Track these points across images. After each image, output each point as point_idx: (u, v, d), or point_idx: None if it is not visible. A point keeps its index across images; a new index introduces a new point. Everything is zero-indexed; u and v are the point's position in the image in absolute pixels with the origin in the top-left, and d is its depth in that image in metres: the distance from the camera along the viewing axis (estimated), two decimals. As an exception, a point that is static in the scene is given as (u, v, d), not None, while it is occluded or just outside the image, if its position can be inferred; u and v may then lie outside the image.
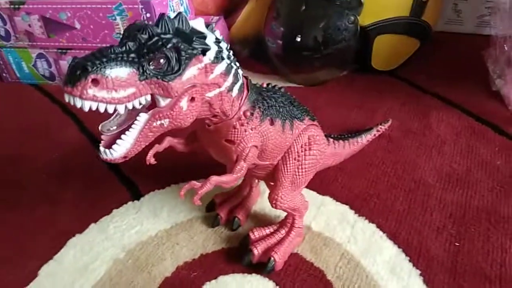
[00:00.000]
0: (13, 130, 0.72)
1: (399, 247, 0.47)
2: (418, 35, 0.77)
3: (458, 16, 0.91)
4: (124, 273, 0.46)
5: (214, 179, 0.38)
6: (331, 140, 0.52)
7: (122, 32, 0.72)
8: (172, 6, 0.75)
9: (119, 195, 0.56)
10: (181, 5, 0.78)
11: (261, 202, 0.54)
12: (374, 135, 0.60)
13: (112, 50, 0.30)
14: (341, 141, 0.53)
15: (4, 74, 0.86)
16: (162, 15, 0.32)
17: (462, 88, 0.73)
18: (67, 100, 0.29)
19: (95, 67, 0.28)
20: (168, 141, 0.43)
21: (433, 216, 0.50)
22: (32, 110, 0.78)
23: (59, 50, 0.79)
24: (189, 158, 0.62)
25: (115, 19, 0.72)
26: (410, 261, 0.46)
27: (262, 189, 0.55)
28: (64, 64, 0.81)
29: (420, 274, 0.44)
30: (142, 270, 0.46)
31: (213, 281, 0.45)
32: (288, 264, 0.46)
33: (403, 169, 0.57)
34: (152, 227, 0.51)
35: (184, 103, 0.33)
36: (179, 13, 0.33)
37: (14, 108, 0.79)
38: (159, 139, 0.40)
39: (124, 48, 0.30)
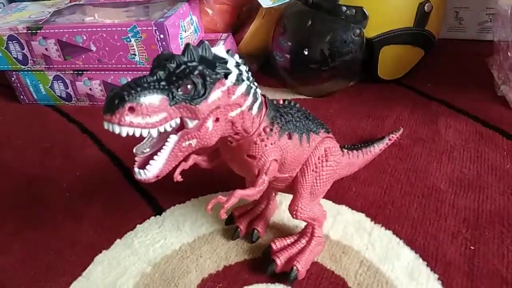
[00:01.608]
0: (33, 150, 0.75)
1: (416, 252, 0.49)
2: (422, 44, 0.79)
3: (460, 24, 0.93)
4: (152, 286, 0.48)
5: (239, 192, 0.40)
6: (345, 151, 0.54)
7: (136, 53, 0.75)
8: (184, 26, 0.78)
9: (141, 210, 0.58)
10: (192, 24, 0.81)
11: (279, 213, 0.56)
12: (387, 144, 0.62)
13: (145, 79, 0.32)
14: (355, 151, 0.55)
15: (21, 96, 0.89)
16: (187, 45, 0.35)
17: (467, 94, 0.75)
18: (106, 127, 0.32)
19: (131, 96, 0.31)
20: (193, 159, 0.45)
21: (448, 221, 0.52)
22: (50, 130, 0.80)
23: (75, 72, 0.82)
24: (206, 173, 0.64)
25: (129, 41, 0.74)
26: (427, 265, 0.47)
27: (279, 200, 0.57)
28: (80, 85, 0.83)
29: (438, 278, 0.46)
30: (169, 283, 0.48)
31: (238, 291, 0.47)
32: (310, 273, 0.47)
33: (415, 176, 0.59)
34: (176, 241, 0.53)
35: (210, 123, 0.36)
36: (202, 41, 0.36)
37: (32, 129, 0.82)
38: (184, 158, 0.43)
39: (155, 77, 0.33)
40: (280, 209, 0.56)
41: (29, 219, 0.60)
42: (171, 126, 0.34)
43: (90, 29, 0.75)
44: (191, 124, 0.35)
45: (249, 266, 0.49)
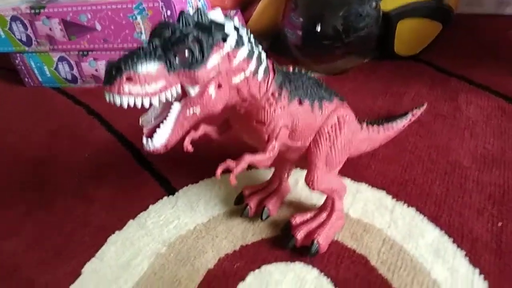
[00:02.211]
0: (40, 133, 0.73)
1: (441, 229, 0.47)
2: (440, 18, 0.76)
3: (478, -2, 0.89)
4: (167, 266, 0.46)
5: (248, 157, 0.39)
6: (365, 125, 0.51)
7: (143, 31, 0.72)
8: (191, 2, 0.75)
9: (153, 190, 0.57)
10: (199, 0, 0.78)
11: (295, 191, 0.54)
12: (410, 120, 0.59)
13: (141, 49, 0.33)
14: (375, 126, 0.53)
15: (26, 79, 0.87)
16: (181, 12, 0.34)
17: (487, 69, 0.72)
18: (107, 99, 0.32)
19: (127, 66, 0.31)
20: (203, 128, 0.44)
21: (472, 197, 0.50)
22: (57, 113, 0.79)
23: (81, 53, 0.80)
24: (218, 153, 0.62)
25: (135, 19, 0.72)
26: (453, 242, 0.45)
27: (295, 178, 0.55)
28: (86, 65, 0.81)
29: (465, 255, 0.44)
30: (185, 263, 0.47)
31: (257, 270, 0.45)
32: (330, 251, 0.46)
33: (437, 153, 0.57)
34: (190, 221, 0.52)
35: (212, 90, 0.35)
36: (198, 9, 0.35)
37: (38, 112, 0.80)
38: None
39: (151, 46, 0.33)
40: (297, 188, 0.54)
41: (39, 202, 0.58)
42: (172, 95, 0.34)
43: (94, 7, 0.73)
44: (192, 91, 0.35)
45: (267, 245, 0.48)
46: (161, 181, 0.59)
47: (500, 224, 0.46)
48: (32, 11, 0.76)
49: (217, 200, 0.54)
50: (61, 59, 0.82)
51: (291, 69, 0.43)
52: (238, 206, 0.53)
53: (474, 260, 0.43)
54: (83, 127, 0.73)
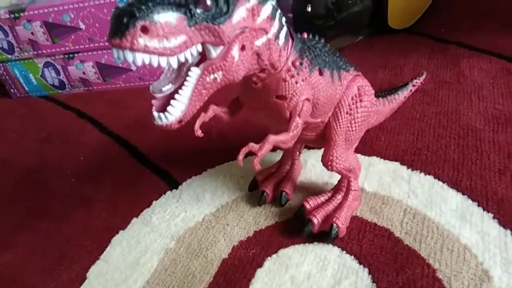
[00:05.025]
0: (30, 141, 0.70)
1: (463, 194, 0.44)
2: (432, -14, 0.74)
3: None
4: (179, 261, 0.43)
5: (273, 138, 0.35)
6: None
7: None
8: None
9: (154, 186, 0.54)
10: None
11: (305, 172, 0.51)
12: (411, 90, 0.57)
13: None
14: (380, 99, 0.51)
15: (12, 90, 0.84)
16: None
17: (486, 33, 0.71)
18: (116, 55, 0.27)
19: (143, 13, 0.25)
20: (212, 110, 0.40)
21: (491, 158, 0.48)
22: (46, 120, 0.75)
23: (66, 56, 0.77)
24: (219, 141, 0.60)
25: (120, 13, 0.69)
26: (479, 206, 0.43)
27: (303, 159, 0.52)
28: (73, 69, 0.78)
29: (494, 217, 0.41)
30: (197, 255, 0.44)
31: (274, 255, 0.42)
32: (350, 228, 0.43)
33: (447, 119, 0.55)
34: (198, 212, 0.49)
35: (235, 51, 0.31)
36: None
37: (27, 121, 0.76)
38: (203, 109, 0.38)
39: None
40: (306, 168, 0.52)
41: (35, 210, 0.55)
42: (192, 55, 0.29)
43: (77, 5, 0.70)
44: (214, 52, 0.30)
45: (281, 228, 0.45)
46: (162, 175, 0.56)
47: (524, 182, 0.44)
48: (12, 15, 0.73)
49: (224, 188, 0.51)
50: (46, 64, 0.79)
51: (305, 35, 0.39)
52: (248, 192, 0.50)
53: (504, 221, 0.41)
54: (75, 132, 0.69)
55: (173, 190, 0.53)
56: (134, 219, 0.50)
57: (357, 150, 0.51)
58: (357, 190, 0.44)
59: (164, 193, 0.52)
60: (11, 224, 0.53)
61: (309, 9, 0.71)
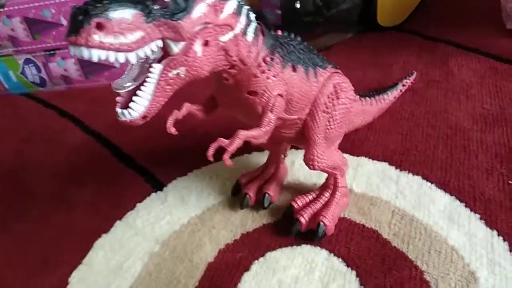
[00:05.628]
0: (9, 140, 0.67)
1: (451, 194, 0.44)
2: (421, -16, 0.74)
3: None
4: (163, 265, 0.42)
5: (243, 133, 0.35)
6: (358, 97, 0.48)
7: None
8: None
9: (139, 188, 0.52)
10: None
11: (293, 173, 0.50)
12: (401, 90, 0.57)
13: None
14: (367, 98, 0.50)
15: (-9, 87, 0.81)
16: None
17: (474, 31, 0.71)
18: (72, 53, 0.27)
19: (97, 10, 0.26)
20: (186, 108, 0.39)
21: (479, 158, 0.48)
22: (26, 119, 0.73)
23: (47, 52, 0.74)
24: (206, 141, 0.58)
25: (103, 8, 0.67)
26: (466, 206, 0.43)
27: (291, 159, 0.51)
28: (54, 66, 0.76)
29: (481, 218, 0.41)
30: (182, 259, 0.42)
31: (261, 259, 0.41)
32: (339, 229, 0.42)
33: (436, 118, 0.54)
34: (183, 215, 0.48)
35: (198, 47, 0.30)
36: None
37: (7, 120, 0.74)
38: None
39: None
40: (294, 169, 0.51)
41: (14, 213, 0.53)
42: (152, 51, 0.29)
43: (58, 1, 0.68)
44: (175, 48, 0.30)
45: (269, 230, 0.44)
46: (146, 177, 0.54)
47: (511, 182, 0.44)
48: (-10, 11, 0.71)
49: (210, 190, 0.50)
50: (27, 61, 0.76)
51: (279, 32, 0.39)
52: (235, 196, 0.49)
53: (491, 222, 0.41)
54: (56, 131, 0.67)
55: (158, 191, 0.51)
56: (118, 222, 0.48)
57: (345, 150, 0.51)
58: (345, 186, 0.44)
59: (149, 195, 0.51)
60: (-12, 227, 0.51)
61: (298, 6, 0.70)
